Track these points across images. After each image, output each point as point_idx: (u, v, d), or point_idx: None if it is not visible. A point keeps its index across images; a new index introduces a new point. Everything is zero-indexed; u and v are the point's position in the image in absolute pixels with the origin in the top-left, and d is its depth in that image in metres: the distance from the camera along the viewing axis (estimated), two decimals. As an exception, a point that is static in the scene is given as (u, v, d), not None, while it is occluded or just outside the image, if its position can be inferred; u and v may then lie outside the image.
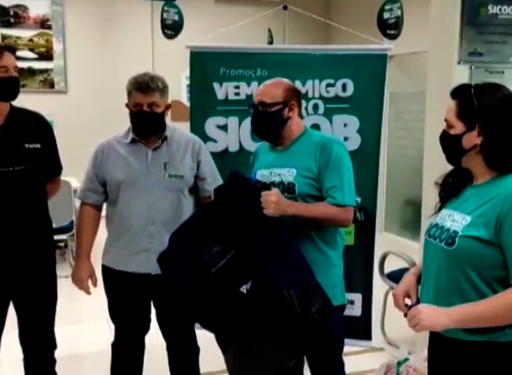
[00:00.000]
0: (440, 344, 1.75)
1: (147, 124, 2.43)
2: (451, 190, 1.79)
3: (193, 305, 2.21)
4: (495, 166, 1.65)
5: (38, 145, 2.39)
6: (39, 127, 2.47)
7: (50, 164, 2.52)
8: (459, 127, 1.66)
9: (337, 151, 2.23)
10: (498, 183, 1.64)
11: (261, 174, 2.32)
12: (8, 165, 2.31)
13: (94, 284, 2.57)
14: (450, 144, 1.70)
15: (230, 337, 2.15)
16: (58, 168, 2.62)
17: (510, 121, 1.63)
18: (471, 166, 1.70)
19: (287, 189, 2.22)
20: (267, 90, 2.32)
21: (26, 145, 2.36)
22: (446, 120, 1.71)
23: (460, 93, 1.69)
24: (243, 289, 2.06)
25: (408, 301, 1.79)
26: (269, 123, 2.30)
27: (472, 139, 1.65)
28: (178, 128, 2.59)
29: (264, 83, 2.39)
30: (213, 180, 2.56)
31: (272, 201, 2.04)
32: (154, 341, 2.67)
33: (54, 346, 2.58)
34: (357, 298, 3.11)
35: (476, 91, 1.66)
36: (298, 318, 1.99)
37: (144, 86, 2.36)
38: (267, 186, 2.13)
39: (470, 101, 1.65)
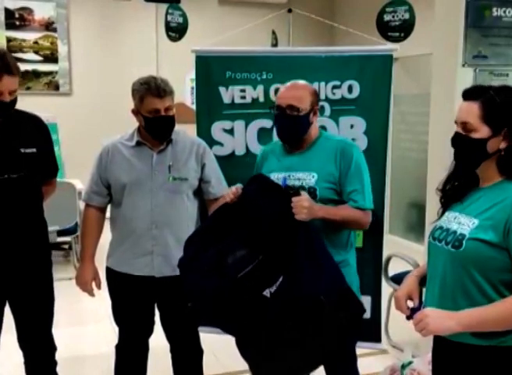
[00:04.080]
0: (445, 348, 1.73)
1: (166, 128, 2.43)
2: (455, 194, 1.77)
3: (212, 310, 2.17)
4: (509, 173, 1.63)
5: (34, 150, 2.34)
6: (35, 130, 2.41)
7: (46, 167, 2.47)
8: (484, 131, 1.62)
9: (357, 155, 2.27)
10: (506, 186, 1.63)
11: (277, 178, 2.27)
12: (2, 173, 2.25)
13: (98, 287, 2.57)
14: (472, 148, 1.64)
15: (251, 341, 2.12)
16: (54, 170, 2.58)
17: None
18: (481, 169, 1.68)
19: (308, 193, 2.19)
20: (296, 93, 2.27)
21: (22, 150, 2.30)
22: (463, 123, 1.65)
23: (481, 96, 1.64)
24: (267, 293, 2.02)
25: (410, 304, 1.78)
26: (297, 127, 2.28)
27: (497, 144, 1.62)
28: (183, 130, 2.59)
29: (288, 85, 2.33)
30: (217, 182, 2.56)
31: (305, 207, 2.03)
32: (158, 343, 2.67)
33: (53, 348, 2.56)
34: (367, 300, 3.06)
35: (499, 95, 1.62)
36: (330, 322, 1.98)
37: (161, 90, 2.35)
38: (297, 191, 2.12)
39: (496, 105, 1.61)
